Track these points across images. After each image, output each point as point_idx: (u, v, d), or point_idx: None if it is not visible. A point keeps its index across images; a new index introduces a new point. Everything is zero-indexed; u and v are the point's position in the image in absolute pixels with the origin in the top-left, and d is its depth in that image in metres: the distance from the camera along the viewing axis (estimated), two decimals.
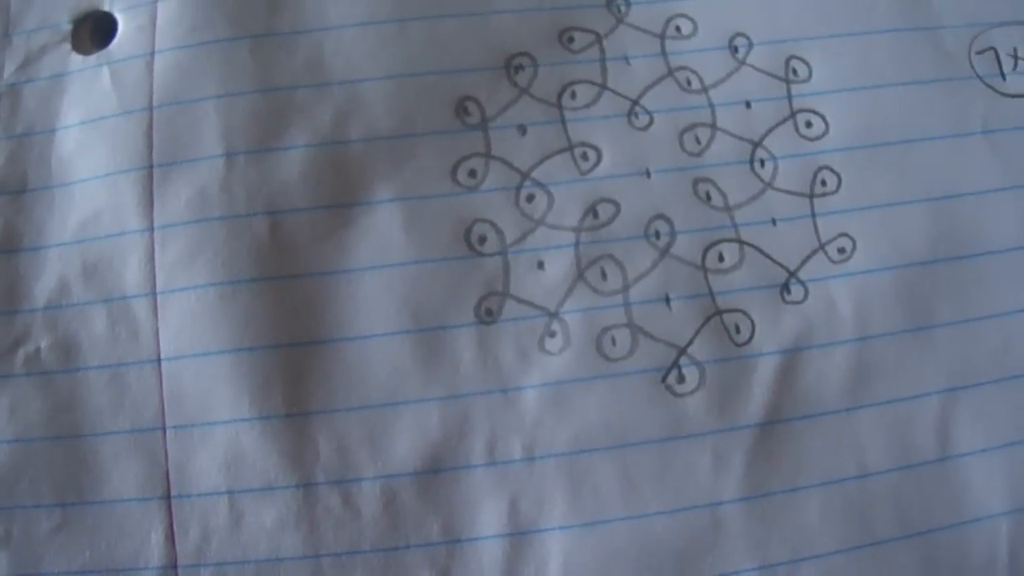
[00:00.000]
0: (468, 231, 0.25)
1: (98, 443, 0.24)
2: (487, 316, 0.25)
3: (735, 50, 0.27)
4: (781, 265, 0.26)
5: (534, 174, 0.26)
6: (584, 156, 0.26)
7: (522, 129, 0.26)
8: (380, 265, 0.25)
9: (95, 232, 0.25)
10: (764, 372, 0.25)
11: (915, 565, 0.24)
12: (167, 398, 0.24)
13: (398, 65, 0.26)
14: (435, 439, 0.24)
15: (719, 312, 0.25)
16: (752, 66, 0.27)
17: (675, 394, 0.24)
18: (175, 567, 0.23)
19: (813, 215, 0.26)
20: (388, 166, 0.25)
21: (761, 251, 0.26)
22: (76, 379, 0.24)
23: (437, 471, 0.24)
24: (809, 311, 0.25)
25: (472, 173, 0.26)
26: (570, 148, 0.26)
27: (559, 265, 0.25)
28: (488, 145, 0.26)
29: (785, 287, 0.25)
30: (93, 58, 0.27)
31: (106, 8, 0.27)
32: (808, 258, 0.26)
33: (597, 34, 0.27)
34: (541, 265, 0.25)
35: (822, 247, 0.26)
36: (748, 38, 0.27)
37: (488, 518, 0.23)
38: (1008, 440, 0.25)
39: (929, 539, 0.24)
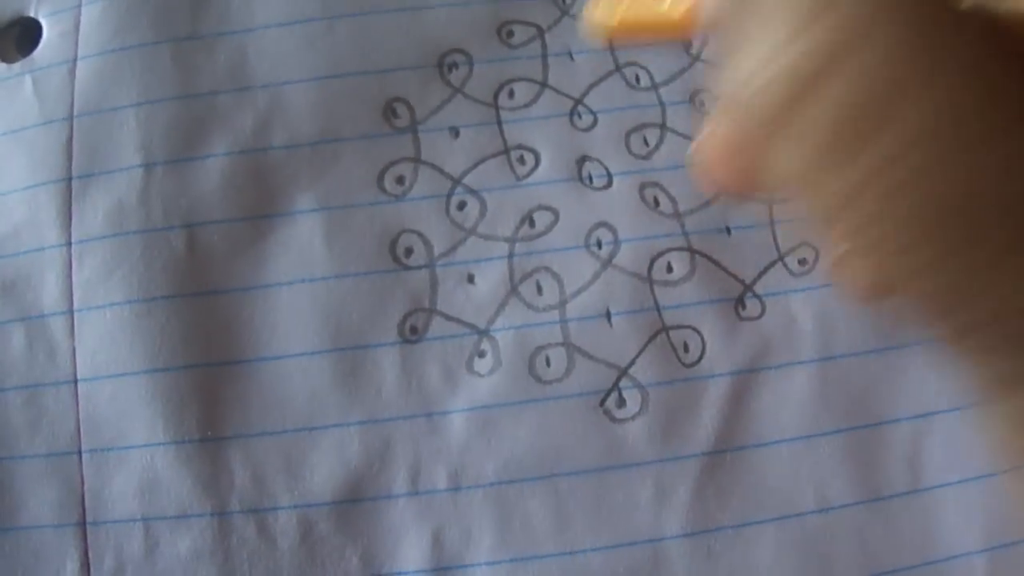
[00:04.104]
0: (394, 242, 0.24)
1: (14, 466, 0.23)
2: (412, 334, 0.23)
3: (689, 43, 0.25)
4: (735, 277, 0.23)
5: (466, 180, 0.24)
6: (521, 160, 0.24)
7: (455, 131, 0.24)
8: (300, 280, 0.23)
9: (14, 248, 0.24)
10: (714, 395, 0.23)
11: None
12: (83, 421, 0.23)
13: (324, 66, 0.25)
14: (355, 466, 0.22)
15: (665, 328, 0.23)
16: (707, 61, 0.25)
17: (614, 419, 0.22)
18: None
19: (772, 222, 0.24)
20: (310, 173, 0.24)
21: (714, 261, 0.23)
22: None
23: (357, 500, 0.22)
24: (766, 328, 0.23)
25: (400, 180, 0.24)
26: (506, 151, 0.24)
27: (491, 279, 0.23)
28: (417, 149, 0.24)
29: (740, 301, 0.23)
30: (17, 66, 0.26)
31: (32, 13, 0.26)
32: (766, 270, 0.23)
33: (539, 27, 0.25)
34: (471, 279, 0.23)
35: (781, 258, 0.24)
36: None
37: (410, 551, 0.22)
38: (985, 471, 0.22)
39: None
